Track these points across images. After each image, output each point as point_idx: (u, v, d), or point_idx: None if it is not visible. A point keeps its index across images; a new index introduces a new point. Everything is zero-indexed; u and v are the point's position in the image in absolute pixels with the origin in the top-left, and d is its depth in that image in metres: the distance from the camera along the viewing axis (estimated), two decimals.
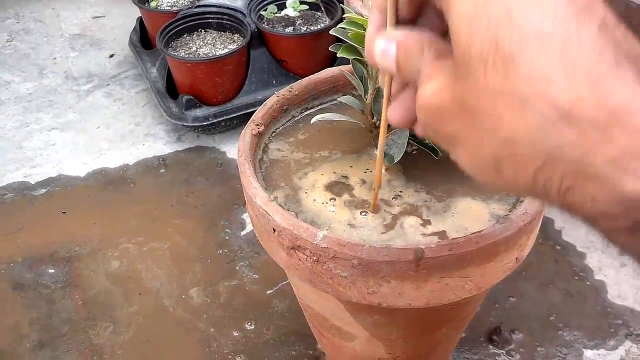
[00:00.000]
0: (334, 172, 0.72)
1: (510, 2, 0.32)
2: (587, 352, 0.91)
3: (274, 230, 0.64)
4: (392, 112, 0.46)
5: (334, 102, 0.82)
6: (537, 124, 0.31)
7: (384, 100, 0.49)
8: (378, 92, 0.70)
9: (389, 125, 0.70)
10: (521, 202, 0.66)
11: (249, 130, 0.74)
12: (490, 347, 0.91)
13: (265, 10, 1.38)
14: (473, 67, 0.33)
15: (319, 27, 1.35)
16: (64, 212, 1.16)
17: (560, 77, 0.30)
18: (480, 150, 0.35)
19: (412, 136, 0.70)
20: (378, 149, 0.59)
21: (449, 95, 0.36)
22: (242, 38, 1.34)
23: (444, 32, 0.40)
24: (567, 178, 0.32)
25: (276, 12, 1.39)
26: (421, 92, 0.39)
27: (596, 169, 0.30)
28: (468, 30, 0.33)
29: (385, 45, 0.42)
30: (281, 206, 0.66)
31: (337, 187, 0.70)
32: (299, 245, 0.62)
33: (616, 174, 0.30)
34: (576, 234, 1.07)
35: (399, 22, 0.43)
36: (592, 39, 0.31)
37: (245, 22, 1.33)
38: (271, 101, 0.78)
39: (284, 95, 0.79)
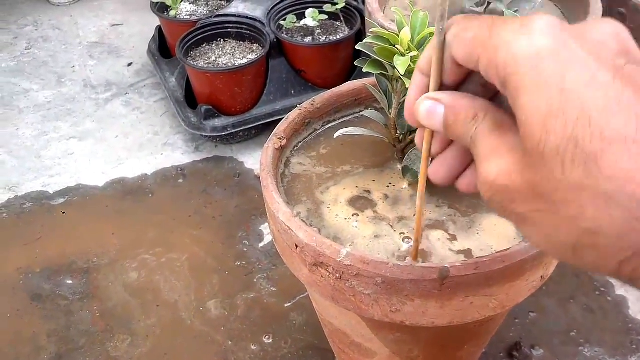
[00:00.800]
0: (357, 187, 0.72)
1: (588, 104, 0.32)
2: None
3: (297, 246, 0.63)
4: (435, 171, 0.46)
5: (356, 115, 0.82)
6: (624, 220, 0.32)
7: (423, 156, 0.49)
8: (402, 107, 0.69)
9: (413, 140, 0.70)
10: None
11: (271, 144, 0.73)
12: None
13: (285, 20, 1.38)
14: (548, 160, 0.34)
15: (338, 37, 1.34)
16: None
17: None
18: (557, 234, 0.35)
19: None
20: (417, 203, 0.56)
21: (519, 178, 0.36)
22: (261, 48, 1.34)
23: (488, 99, 0.41)
24: None
25: (295, 22, 1.38)
26: (486, 168, 0.38)
27: None
28: (542, 125, 0.33)
29: (431, 106, 0.42)
30: (304, 222, 0.66)
31: (360, 202, 0.70)
32: (322, 262, 0.61)
33: None
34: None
35: (442, 86, 0.43)
36: None
37: (265, 32, 1.33)
38: (293, 114, 0.78)
39: (306, 108, 0.78)
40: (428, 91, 0.44)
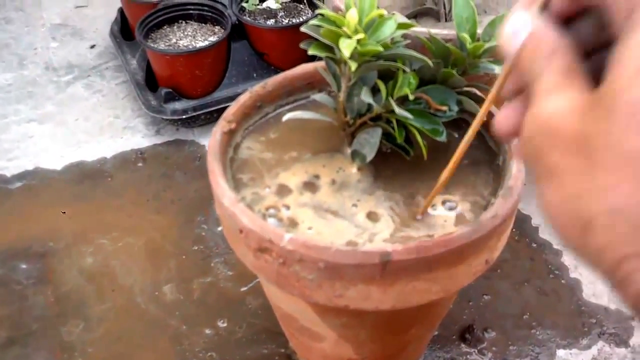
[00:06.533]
0: (306, 172, 0.72)
1: None
2: (560, 352, 0.91)
3: (241, 231, 0.63)
4: (503, 118, 0.40)
5: (309, 99, 0.81)
6: None
7: (492, 92, 0.44)
8: (351, 91, 0.69)
9: (362, 123, 0.70)
10: (492, 204, 0.65)
11: (219, 127, 0.73)
12: (463, 345, 0.91)
13: (247, 2, 1.36)
14: (615, 113, 0.30)
15: (301, 19, 1.34)
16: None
17: None
18: (577, 201, 0.32)
19: (385, 135, 0.69)
20: (458, 151, 0.56)
21: (575, 123, 0.32)
22: (222, 30, 1.33)
23: (590, 53, 0.37)
24: None
25: (258, 4, 1.37)
26: (542, 104, 0.34)
27: None
28: (634, 72, 0.29)
29: (519, 27, 0.37)
30: (249, 207, 0.66)
31: (308, 188, 0.70)
32: (266, 247, 0.61)
33: None
34: (553, 231, 1.06)
35: (548, 10, 0.38)
36: None
37: (226, 14, 1.32)
38: (244, 97, 0.77)
39: (257, 91, 0.78)
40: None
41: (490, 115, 0.70)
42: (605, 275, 0.33)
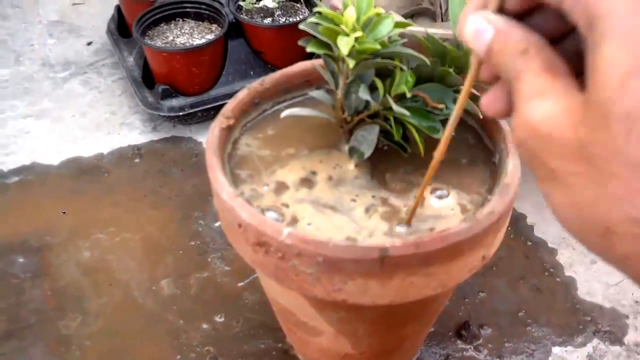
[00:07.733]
0: (303, 168, 0.72)
1: None
2: (555, 349, 0.91)
3: (240, 225, 0.63)
4: (488, 103, 0.40)
5: (307, 96, 0.82)
6: None
7: (466, 83, 0.44)
8: (349, 88, 0.70)
9: (360, 121, 0.71)
10: (489, 200, 0.66)
11: (218, 123, 0.73)
12: (459, 342, 0.92)
13: (244, 0, 1.37)
14: (613, 123, 0.28)
15: (297, 18, 1.34)
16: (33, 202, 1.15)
17: None
18: (591, 208, 0.30)
19: (382, 132, 0.70)
20: (435, 157, 0.57)
21: (569, 131, 0.31)
22: (220, 28, 1.33)
23: (552, 40, 0.36)
24: None
25: (255, 3, 1.38)
26: (530, 108, 0.33)
27: None
28: (620, 81, 0.28)
29: (481, 26, 0.36)
30: (248, 202, 0.66)
31: (305, 184, 0.70)
32: (265, 242, 0.62)
33: None
34: (548, 230, 1.07)
35: (503, 11, 0.37)
36: None
37: (224, 12, 1.33)
38: (242, 94, 0.78)
39: (255, 88, 0.78)
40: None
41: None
42: (635, 281, 0.32)
